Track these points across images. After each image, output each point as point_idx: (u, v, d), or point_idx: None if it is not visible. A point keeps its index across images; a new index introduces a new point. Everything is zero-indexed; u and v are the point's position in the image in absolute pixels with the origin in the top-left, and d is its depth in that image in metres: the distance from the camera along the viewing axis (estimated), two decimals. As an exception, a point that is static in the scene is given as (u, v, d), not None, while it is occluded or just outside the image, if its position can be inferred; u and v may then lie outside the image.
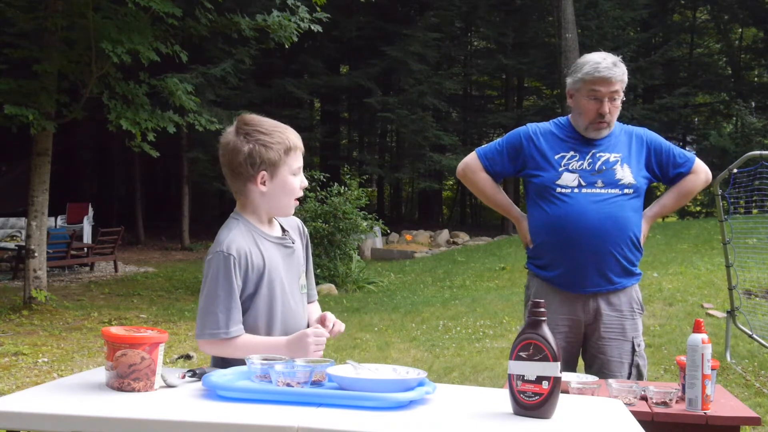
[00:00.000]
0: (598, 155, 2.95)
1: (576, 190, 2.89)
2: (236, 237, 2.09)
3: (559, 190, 2.91)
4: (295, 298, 2.20)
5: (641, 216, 2.98)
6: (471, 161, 3.12)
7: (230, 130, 2.17)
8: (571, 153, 2.96)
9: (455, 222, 29.25)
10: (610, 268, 2.90)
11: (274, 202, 2.17)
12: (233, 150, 2.12)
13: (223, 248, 2.06)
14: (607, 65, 2.88)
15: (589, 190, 2.89)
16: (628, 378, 2.93)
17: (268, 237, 2.17)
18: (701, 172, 3.05)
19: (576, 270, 2.89)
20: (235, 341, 2.03)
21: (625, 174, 2.93)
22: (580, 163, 2.93)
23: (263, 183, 2.13)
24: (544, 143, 3.00)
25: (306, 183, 2.24)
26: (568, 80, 3.01)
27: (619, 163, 2.95)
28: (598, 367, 2.95)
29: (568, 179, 2.91)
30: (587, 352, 3.02)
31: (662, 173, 3.02)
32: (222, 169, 2.19)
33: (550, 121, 3.13)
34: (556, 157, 2.96)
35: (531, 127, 3.09)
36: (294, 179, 2.18)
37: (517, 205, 3.17)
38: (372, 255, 16.31)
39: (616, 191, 2.91)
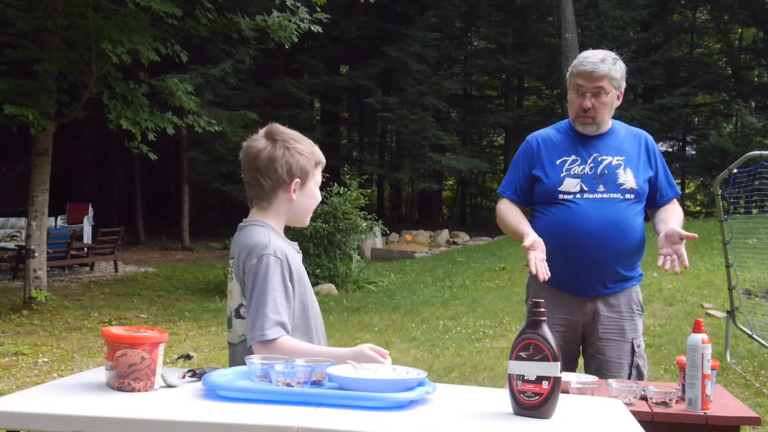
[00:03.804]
0: (600, 159, 2.93)
1: (578, 196, 2.88)
2: (277, 242, 2.10)
3: (561, 196, 2.89)
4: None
5: (643, 221, 2.96)
6: (498, 202, 3.10)
7: (260, 136, 2.19)
8: (573, 157, 2.94)
9: (455, 222, 29.25)
10: (609, 275, 2.90)
11: (298, 210, 2.20)
12: (269, 156, 2.13)
13: (270, 251, 2.04)
14: (593, 60, 2.86)
15: (591, 196, 2.87)
16: (629, 378, 2.92)
17: (291, 244, 2.21)
18: (678, 206, 3.07)
19: (575, 276, 2.89)
20: (282, 342, 1.98)
21: (627, 178, 2.91)
22: (582, 167, 2.92)
23: (294, 191, 2.16)
24: (545, 149, 2.99)
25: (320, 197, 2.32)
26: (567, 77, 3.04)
27: (622, 167, 2.93)
28: (597, 367, 2.95)
29: (570, 185, 2.89)
30: (586, 352, 3.02)
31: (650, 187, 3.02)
32: (247, 173, 2.17)
33: (550, 126, 3.12)
34: (558, 162, 2.95)
35: (531, 137, 3.08)
36: (317, 192, 2.26)
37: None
38: (372, 255, 16.31)
39: (618, 196, 2.89)
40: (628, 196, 2.90)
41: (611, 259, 2.87)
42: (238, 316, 2.11)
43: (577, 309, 2.93)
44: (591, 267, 2.87)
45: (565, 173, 2.92)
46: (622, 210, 2.88)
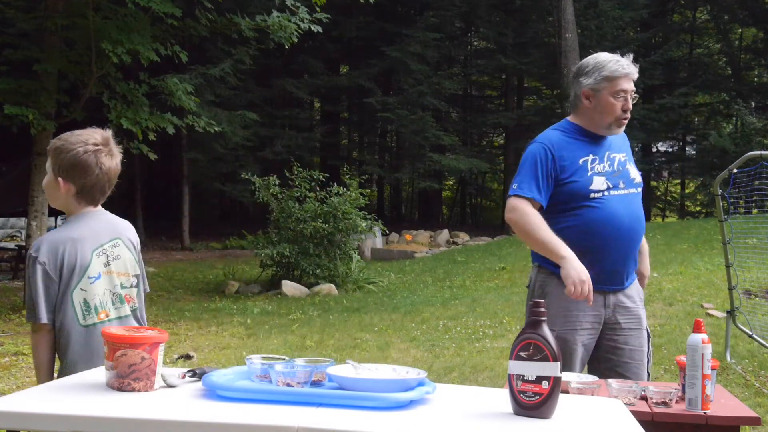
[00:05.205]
0: (611, 156, 2.99)
1: (606, 193, 2.91)
2: None
3: (592, 195, 2.90)
4: None
5: None
6: (516, 203, 2.87)
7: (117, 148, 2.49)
8: (591, 156, 2.96)
9: (455, 222, 29.26)
10: (632, 266, 3.00)
11: None
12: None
13: None
14: (628, 63, 2.96)
15: (615, 192, 2.93)
16: (648, 364, 3.01)
17: None
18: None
19: (606, 272, 2.91)
20: None
21: (634, 172, 3.02)
22: (602, 165, 2.95)
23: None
24: (564, 151, 2.95)
25: None
26: (586, 81, 2.94)
27: (628, 162, 3.03)
28: (621, 358, 2.97)
29: (599, 183, 2.92)
30: (606, 345, 2.99)
31: None
32: (114, 179, 2.47)
33: (550, 129, 3.07)
34: (581, 162, 2.94)
35: (544, 140, 2.99)
36: None
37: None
38: (372, 255, 16.31)
39: (634, 190, 2.98)
40: (639, 189, 3.01)
41: (635, 251, 2.98)
42: (137, 285, 2.51)
43: (601, 304, 2.95)
44: (622, 261, 2.94)
45: (591, 172, 2.94)
46: (639, 203, 3.00)
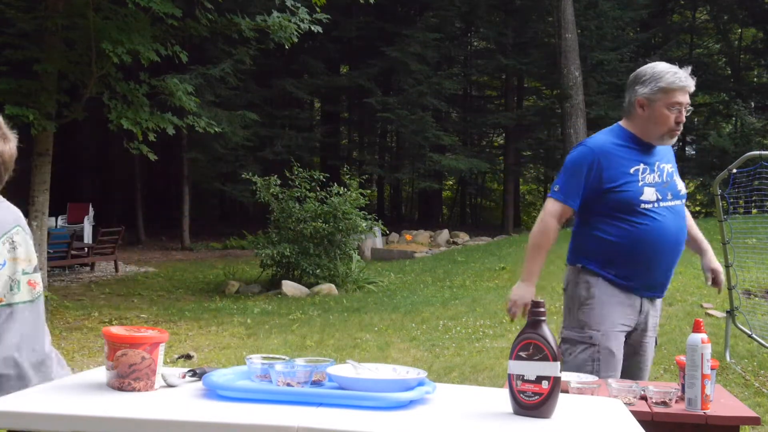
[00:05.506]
0: (661, 166, 2.99)
1: (656, 205, 2.92)
2: None
3: (643, 205, 2.90)
4: None
5: None
6: (550, 209, 3.00)
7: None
8: (642, 166, 2.95)
9: (455, 222, 29.25)
10: (671, 276, 3.03)
11: None
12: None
13: None
14: (686, 75, 2.90)
15: (664, 204, 2.93)
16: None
17: None
18: None
19: (653, 280, 2.95)
20: None
21: (681, 184, 3.03)
22: (652, 176, 2.95)
23: None
24: (612, 159, 2.94)
25: None
26: (642, 90, 2.91)
27: (675, 173, 3.03)
28: (637, 364, 3.04)
29: (649, 194, 2.92)
30: (624, 350, 3.03)
31: None
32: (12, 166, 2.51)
33: (603, 132, 3.06)
34: (632, 171, 2.93)
35: (592, 145, 2.99)
36: None
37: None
38: (372, 255, 16.32)
39: (679, 202, 2.99)
40: (684, 201, 3.03)
41: (677, 262, 3.00)
42: (38, 271, 2.48)
43: (637, 309, 2.99)
44: (666, 271, 2.97)
45: (642, 182, 2.92)
46: (684, 215, 3.01)
